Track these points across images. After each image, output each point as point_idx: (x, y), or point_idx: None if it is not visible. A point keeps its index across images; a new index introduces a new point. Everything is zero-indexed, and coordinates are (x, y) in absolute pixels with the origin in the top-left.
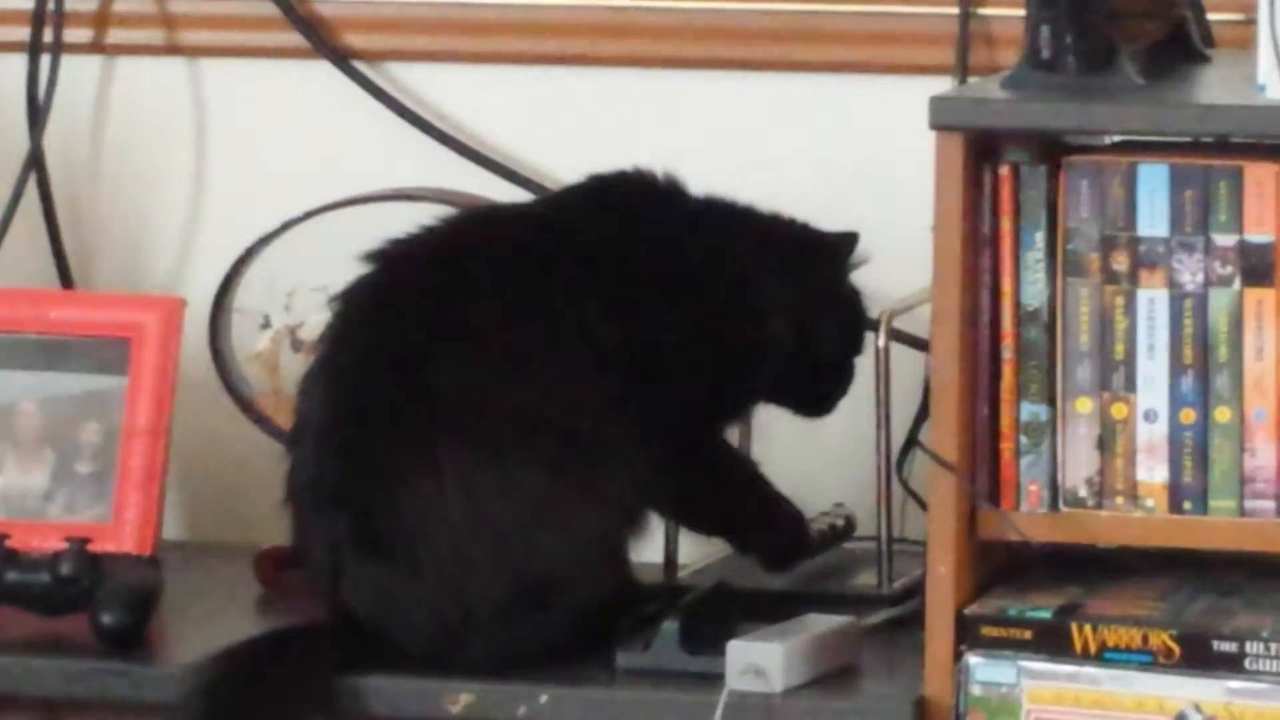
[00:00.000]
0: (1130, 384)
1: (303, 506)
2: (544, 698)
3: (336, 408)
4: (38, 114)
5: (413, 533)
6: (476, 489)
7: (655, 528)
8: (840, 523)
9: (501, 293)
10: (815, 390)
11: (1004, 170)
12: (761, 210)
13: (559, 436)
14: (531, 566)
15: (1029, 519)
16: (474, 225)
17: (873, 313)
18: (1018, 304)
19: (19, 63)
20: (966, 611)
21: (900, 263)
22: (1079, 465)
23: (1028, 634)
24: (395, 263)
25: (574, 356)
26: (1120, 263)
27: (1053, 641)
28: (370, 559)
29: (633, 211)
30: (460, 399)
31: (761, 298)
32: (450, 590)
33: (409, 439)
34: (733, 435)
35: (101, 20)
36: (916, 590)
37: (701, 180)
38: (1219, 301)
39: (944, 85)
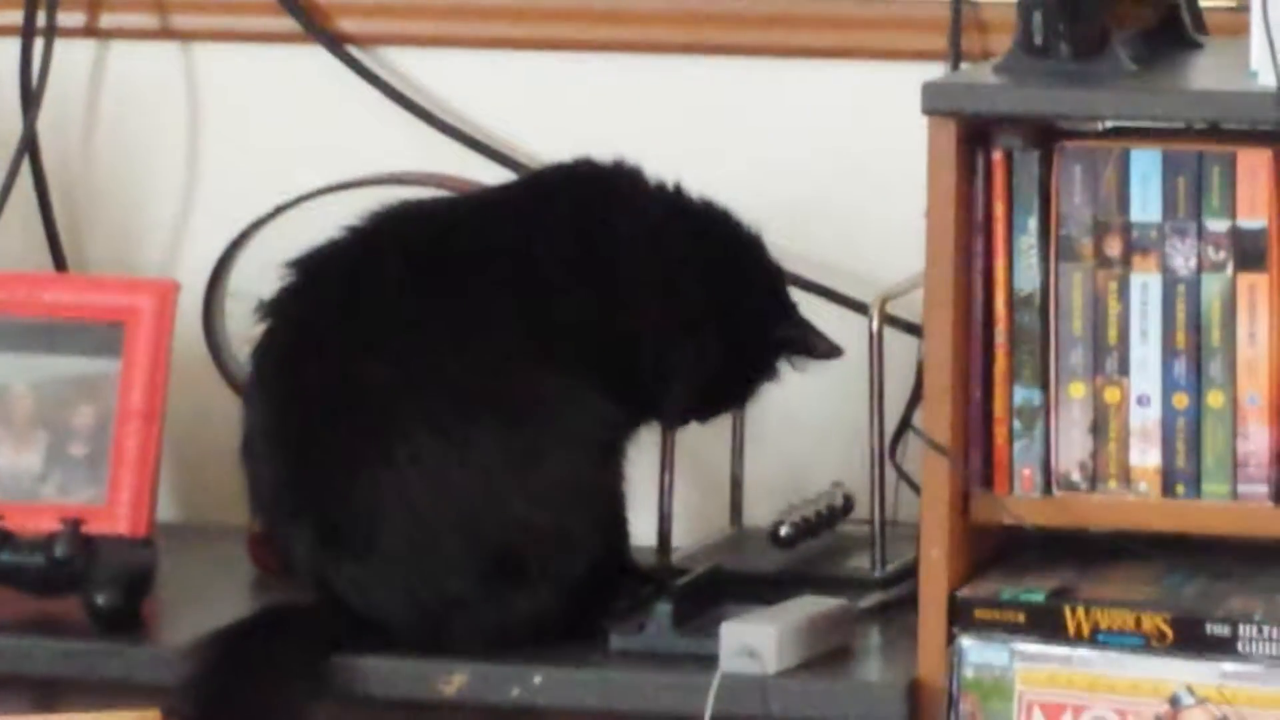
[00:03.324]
0: (1123, 368)
1: (270, 519)
2: (537, 678)
3: (279, 419)
4: (31, 98)
5: (379, 526)
6: (433, 468)
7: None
8: (838, 502)
9: (422, 283)
10: (674, 411)
11: (997, 156)
12: (717, 229)
13: (503, 400)
14: (504, 533)
15: (1022, 502)
16: (392, 221)
17: (866, 298)
18: (1011, 289)
19: (12, 46)
20: (959, 594)
21: (893, 248)
22: (1072, 449)
23: (1021, 617)
24: (316, 268)
25: (501, 332)
26: (1113, 248)
27: (1046, 624)
28: (344, 560)
29: (563, 205)
30: (398, 387)
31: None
32: (427, 577)
33: (356, 436)
34: (725, 421)
35: (95, 4)
36: (910, 573)
37: (695, 166)
38: (1211, 287)
39: (936, 71)
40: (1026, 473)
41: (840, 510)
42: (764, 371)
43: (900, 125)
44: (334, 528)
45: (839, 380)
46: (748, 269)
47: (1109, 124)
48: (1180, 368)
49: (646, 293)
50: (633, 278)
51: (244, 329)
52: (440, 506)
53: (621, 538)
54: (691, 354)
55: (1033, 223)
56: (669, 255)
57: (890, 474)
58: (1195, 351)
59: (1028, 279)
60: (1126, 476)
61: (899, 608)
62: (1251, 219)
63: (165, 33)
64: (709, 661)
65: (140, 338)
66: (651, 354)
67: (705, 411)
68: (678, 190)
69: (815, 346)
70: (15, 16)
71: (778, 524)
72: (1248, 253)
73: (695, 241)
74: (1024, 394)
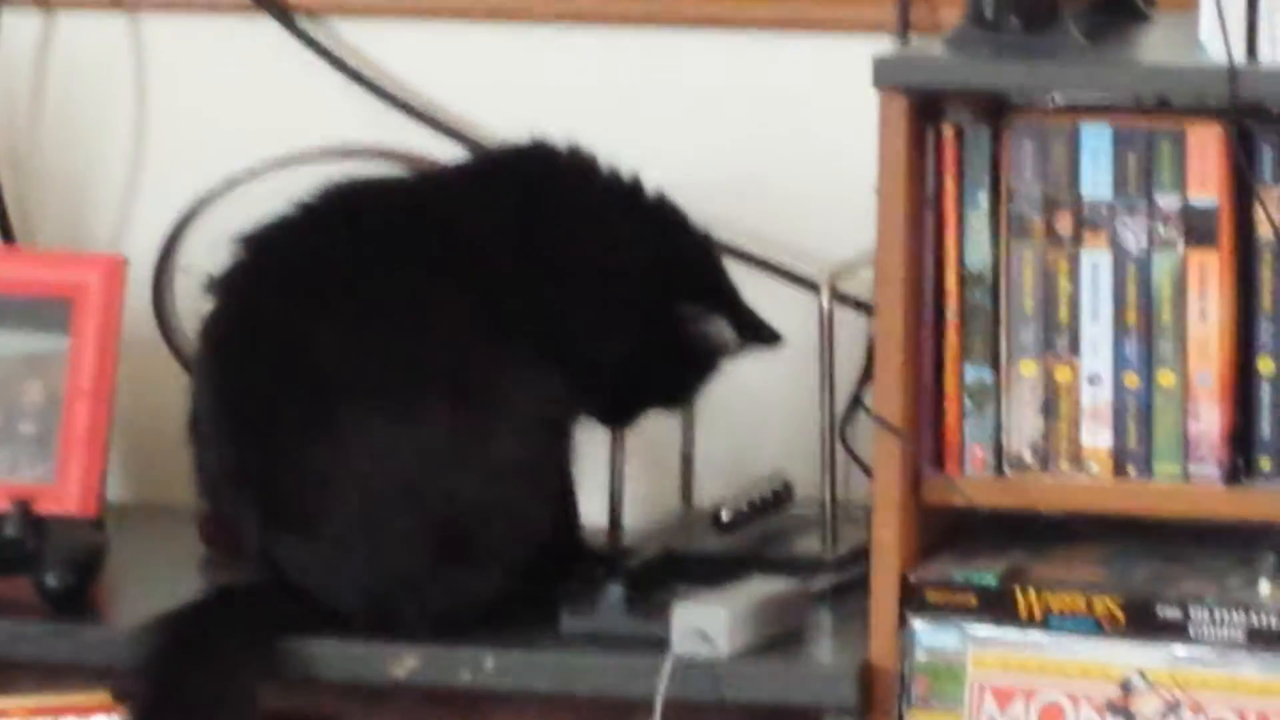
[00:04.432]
0: (1074, 347)
1: (217, 499)
2: (489, 661)
3: (225, 398)
4: None
5: (327, 507)
6: (380, 448)
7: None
8: (780, 487)
9: (371, 260)
10: (613, 407)
11: (947, 130)
12: (663, 226)
13: (451, 379)
14: (452, 513)
15: (973, 483)
16: (343, 197)
17: (816, 275)
18: (962, 266)
19: None
20: (911, 576)
21: (842, 224)
22: (1023, 429)
23: (973, 599)
24: (265, 244)
25: (450, 311)
26: (1063, 225)
27: (998, 607)
28: (290, 541)
29: (512, 187)
30: (346, 366)
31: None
32: (375, 558)
33: (304, 415)
34: None
35: None
36: (861, 555)
37: (644, 138)
38: (1162, 264)
39: (884, 44)
40: (978, 452)
41: (782, 497)
42: (693, 370)
43: (849, 99)
44: (281, 508)
45: (789, 359)
46: (688, 269)
47: (1059, 100)
48: (1131, 347)
49: (583, 283)
50: (572, 266)
51: (194, 305)
52: (388, 487)
53: (572, 518)
54: (620, 347)
55: (984, 198)
56: (609, 247)
57: (840, 454)
58: (1146, 330)
59: (978, 256)
60: (1078, 457)
61: (850, 590)
62: (1202, 196)
63: (113, 3)
64: (661, 644)
65: (89, 314)
66: (585, 343)
67: (638, 406)
68: (634, 182)
69: (712, 332)
70: None
71: (718, 508)
72: (1198, 230)
73: (637, 235)
74: (975, 372)
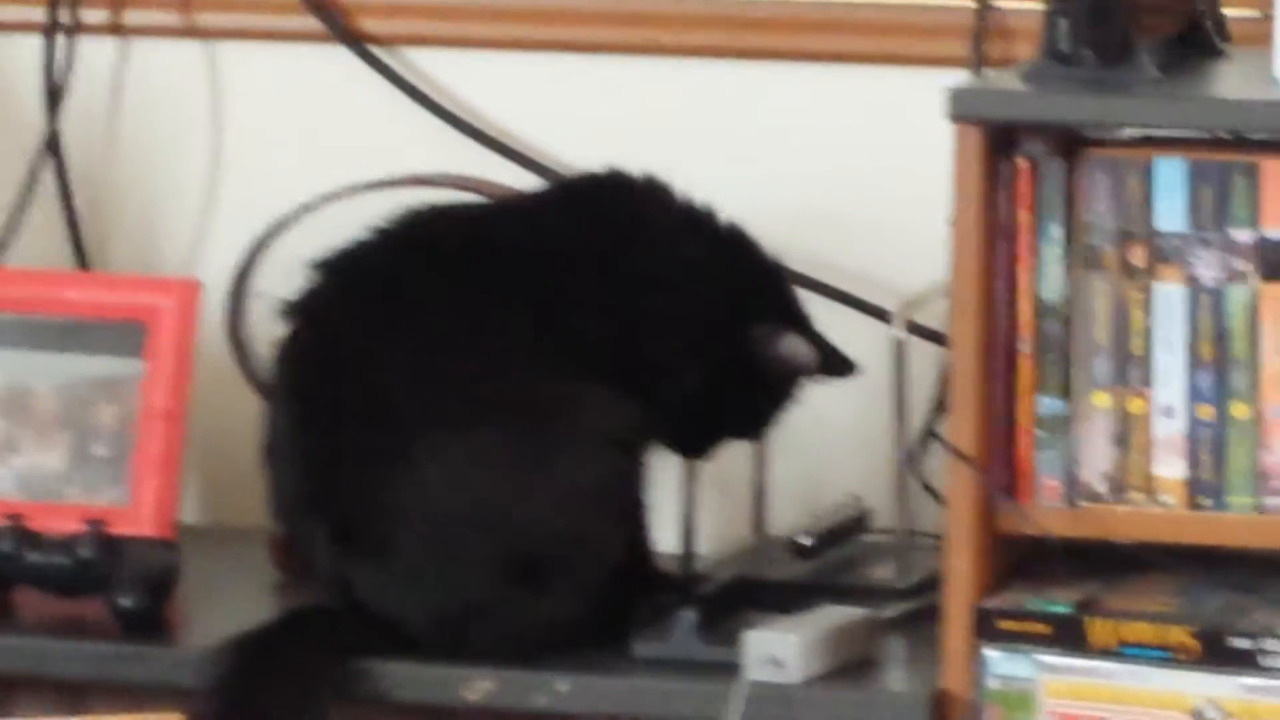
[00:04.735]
0: (1147, 379)
1: (290, 522)
2: (563, 686)
3: (302, 422)
4: (54, 96)
5: (398, 530)
6: (453, 472)
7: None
8: (857, 514)
9: (446, 286)
10: (689, 437)
11: (1022, 163)
12: (735, 255)
13: (525, 405)
14: (525, 538)
15: (1046, 513)
16: (418, 224)
17: (889, 305)
18: (1036, 297)
19: (35, 44)
20: (983, 605)
21: (916, 255)
22: (1096, 460)
23: (1045, 628)
24: (341, 269)
25: (524, 337)
26: (1138, 258)
27: (1070, 636)
28: (363, 565)
29: (588, 216)
30: (420, 391)
31: (670, 341)
32: (447, 582)
33: (378, 439)
34: None
35: (118, 2)
36: (933, 583)
37: (718, 170)
38: (1236, 298)
39: (958, 78)
40: (1051, 483)
41: (860, 522)
42: (768, 399)
43: (923, 131)
44: (354, 533)
45: (862, 389)
46: (761, 298)
47: (1133, 132)
48: (1205, 379)
49: (656, 312)
50: (646, 295)
51: (267, 329)
52: (460, 511)
53: (644, 543)
54: (692, 377)
55: (1058, 231)
56: (682, 276)
57: (912, 483)
58: (1220, 363)
59: (1052, 288)
60: (1151, 488)
61: (923, 618)
62: (1277, 229)
63: (189, 31)
64: (734, 670)
65: (163, 337)
66: (657, 372)
67: (714, 437)
68: (707, 212)
69: (788, 348)
70: (39, 13)
71: (799, 535)
72: (1273, 264)
73: (711, 265)
74: (1048, 404)
